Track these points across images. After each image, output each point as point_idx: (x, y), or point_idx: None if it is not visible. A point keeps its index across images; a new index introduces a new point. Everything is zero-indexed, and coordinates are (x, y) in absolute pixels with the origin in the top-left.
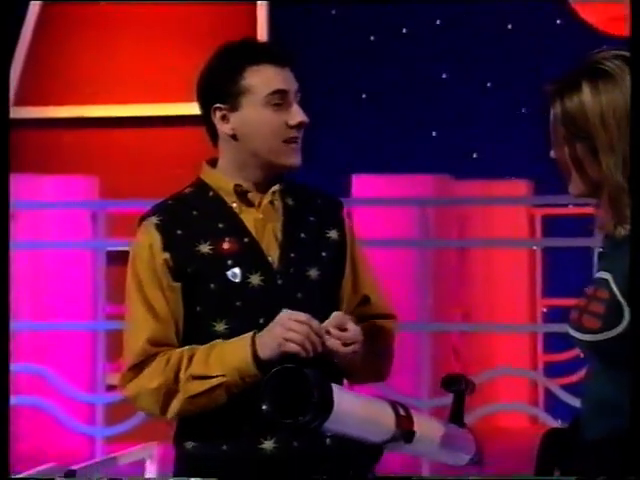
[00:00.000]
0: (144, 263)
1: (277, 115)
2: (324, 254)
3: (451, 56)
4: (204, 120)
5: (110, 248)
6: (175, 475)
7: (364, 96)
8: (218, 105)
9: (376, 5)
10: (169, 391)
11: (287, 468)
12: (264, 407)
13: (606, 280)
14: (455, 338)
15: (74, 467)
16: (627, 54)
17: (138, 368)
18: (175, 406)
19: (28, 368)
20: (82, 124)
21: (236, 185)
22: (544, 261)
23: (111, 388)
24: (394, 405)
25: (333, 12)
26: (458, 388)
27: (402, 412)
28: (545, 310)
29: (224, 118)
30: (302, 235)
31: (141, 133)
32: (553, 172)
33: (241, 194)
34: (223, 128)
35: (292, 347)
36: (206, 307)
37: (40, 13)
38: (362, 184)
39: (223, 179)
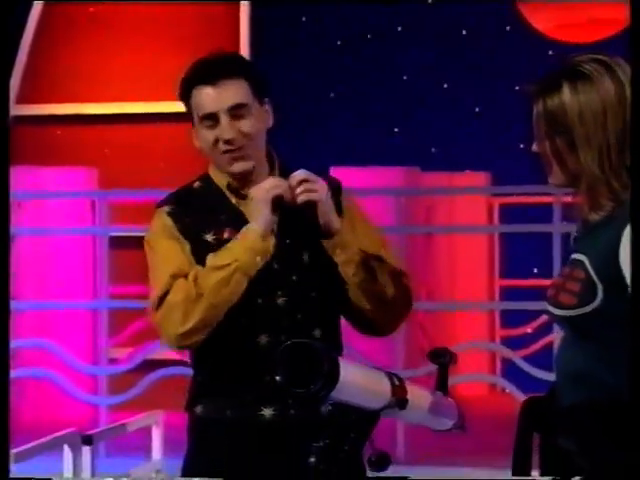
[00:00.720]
0: (159, 234)
1: (211, 132)
2: (319, 239)
3: (411, 60)
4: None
5: (110, 234)
6: (187, 434)
7: (332, 95)
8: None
9: (346, 10)
10: (191, 297)
11: (284, 433)
12: (277, 378)
13: (582, 261)
14: (421, 315)
15: (90, 432)
16: (604, 58)
17: (163, 298)
18: (199, 311)
19: (36, 343)
20: (79, 121)
21: (228, 183)
22: (501, 245)
23: (113, 361)
24: (390, 375)
25: (303, 19)
26: (443, 360)
27: (397, 382)
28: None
29: (193, 131)
30: (297, 223)
31: (134, 129)
32: (504, 165)
33: (233, 190)
34: (195, 142)
35: (277, 191)
36: None
37: (40, 16)
38: (340, 176)
39: (220, 176)
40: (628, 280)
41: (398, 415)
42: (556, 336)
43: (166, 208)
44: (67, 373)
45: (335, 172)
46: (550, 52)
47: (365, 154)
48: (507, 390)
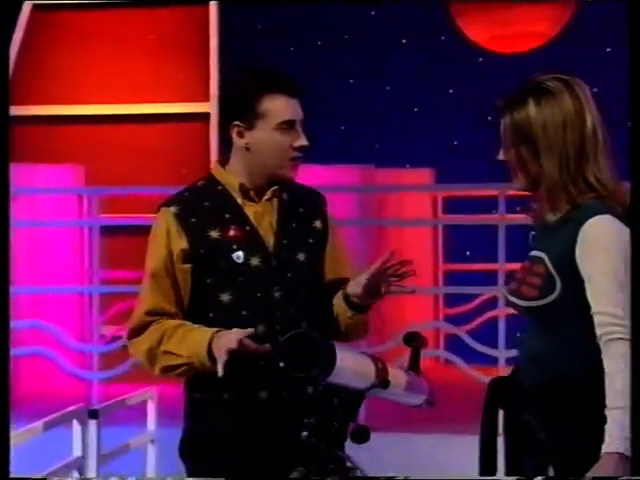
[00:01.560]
0: (159, 248)
1: (284, 138)
2: (311, 241)
3: (357, 64)
4: (221, 129)
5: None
6: (185, 417)
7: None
8: (236, 122)
9: (301, 16)
10: (153, 356)
11: (278, 413)
12: (281, 364)
13: (542, 258)
14: None
15: (95, 407)
16: (564, 77)
17: (135, 332)
18: (157, 369)
19: (33, 324)
20: (68, 121)
21: (241, 184)
22: (444, 234)
23: (101, 337)
24: (374, 359)
25: (259, 27)
26: (416, 344)
27: (380, 365)
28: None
29: (240, 134)
30: (293, 225)
31: (120, 129)
32: (445, 161)
33: (244, 191)
34: (238, 141)
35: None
36: (214, 281)
37: (28, 22)
38: (301, 173)
39: (231, 177)
40: (583, 274)
41: (380, 394)
42: (494, 313)
43: (172, 209)
44: (61, 351)
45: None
46: (480, 59)
47: (320, 153)
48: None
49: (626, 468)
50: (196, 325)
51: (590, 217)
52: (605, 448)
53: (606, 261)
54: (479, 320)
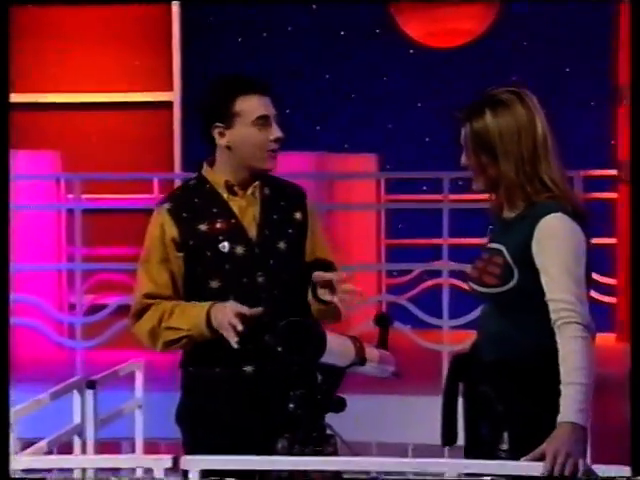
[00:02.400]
0: (155, 240)
1: (261, 133)
2: (290, 231)
3: (300, 54)
4: (203, 132)
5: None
6: (181, 389)
7: None
8: (217, 124)
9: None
10: (155, 334)
11: (263, 386)
12: (279, 348)
13: (500, 250)
14: None
15: (93, 378)
16: (516, 90)
17: (137, 315)
18: (160, 345)
19: (21, 298)
20: (41, 108)
21: (226, 180)
22: (386, 216)
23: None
24: (353, 339)
25: (219, 19)
26: (385, 323)
27: (358, 344)
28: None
29: (221, 134)
30: (274, 217)
31: (90, 116)
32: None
33: (229, 187)
34: (220, 141)
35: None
36: (204, 269)
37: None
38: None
39: (217, 175)
40: (538, 266)
41: (357, 370)
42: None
43: (166, 206)
44: (48, 323)
45: None
46: (411, 51)
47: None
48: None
49: (580, 436)
50: (191, 302)
51: (545, 215)
52: (560, 418)
53: (559, 254)
54: (419, 288)
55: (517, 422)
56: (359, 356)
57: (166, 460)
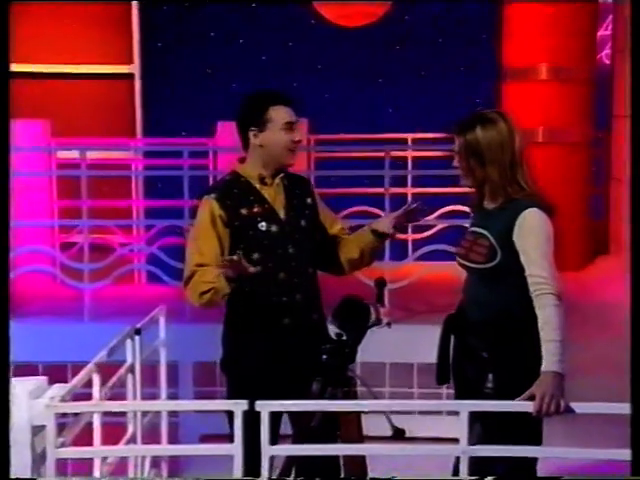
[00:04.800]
0: (204, 222)
1: (287, 135)
2: (307, 212)
3: (243, 33)
4: (241, 134)
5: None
6: (222, 343)
7: (209, 71)
8: (252, 128)
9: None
10: (194, 289)
11: (300, 335)
12: (331, 322)
13: (485, 234)
14: None
15: (138, 326)
16: (499, 111)
17: (187, 279)
18: (197, 297)
19: (31, 248)
20: (15, 77)
21: (259, 174)
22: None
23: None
24: (374, 305)
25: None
26: (381, 284)
27: (376, 309)
28: None
29: (255, 136)
30: (294, 202)
31: (58, 85)
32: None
33: (262, 179)
34: (254, 141)
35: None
36: (246, 245)
37: None
38: (227, 130)
39: (250, 170)
40: (518, 248)
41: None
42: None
43: (213, 196)
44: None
45: (221, 125)
46: (312, 21)
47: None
48: None
49: (561, 382)
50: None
51: (524, 209)
52: (544, 368)
53: (536, 239)
54: None
55: (498, 366)
56: (377, 317)
57: (243, 403)
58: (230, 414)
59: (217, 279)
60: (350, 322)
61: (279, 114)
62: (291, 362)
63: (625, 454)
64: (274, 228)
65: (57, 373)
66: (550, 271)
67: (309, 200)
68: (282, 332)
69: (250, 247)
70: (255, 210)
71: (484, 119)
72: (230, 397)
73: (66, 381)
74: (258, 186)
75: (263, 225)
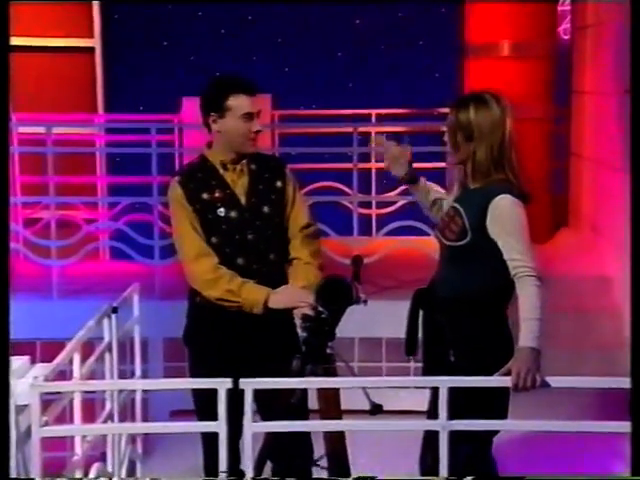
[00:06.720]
0: (177, 203)
1: (245, 125)
2: (273, 197)
3: (202, 7)
4: (204, 119)
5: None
6: (188, 316)
7: (165, 44)
8: (212, 114)
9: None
10: (211, 286)
11: (258, 316)
12: (315, 301)
13: (460, 211)
14: None
15: (115, 304)
16: (493, 93)
17: (195, 258)
18: (215, 296)
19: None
20: None
21: (221, 160)
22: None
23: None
24: (353, 283)
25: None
26: (358, 262)
27: (355, 288)
28: None
29: (214, 121)
30: (260, 186)
31: (20, 58)
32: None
33: (223, 164)
34: (214, 127)
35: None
36: (205, 229)
37: None
38: (192, 105)
39: (214, 155)
40: (492, 235)
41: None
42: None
43: (177, 178)
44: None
45: (187, 101)
46: None
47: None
48: None
49: (537, 357)
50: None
51: (496, 196)
52: (521, 344)
53: (511, 225)
54: None
55: (461, 341)
56: (357, 296)
57: (228, 382)
58: (195, 391)
59: (249, 299)
60: (333, 301)
61: (239, 103)
62: (249, 340)
63: (625, 426)
64: (233, 214)
65: (26, 350)
66: (529, 255)
67: (279, 183)
68: (240, 314)
69: (209, 231)
70: (216, 195)
71: (479, 99)
72: (191, 370)
73: (35, 358)
74: (221, 171)
75: (222, 210)
